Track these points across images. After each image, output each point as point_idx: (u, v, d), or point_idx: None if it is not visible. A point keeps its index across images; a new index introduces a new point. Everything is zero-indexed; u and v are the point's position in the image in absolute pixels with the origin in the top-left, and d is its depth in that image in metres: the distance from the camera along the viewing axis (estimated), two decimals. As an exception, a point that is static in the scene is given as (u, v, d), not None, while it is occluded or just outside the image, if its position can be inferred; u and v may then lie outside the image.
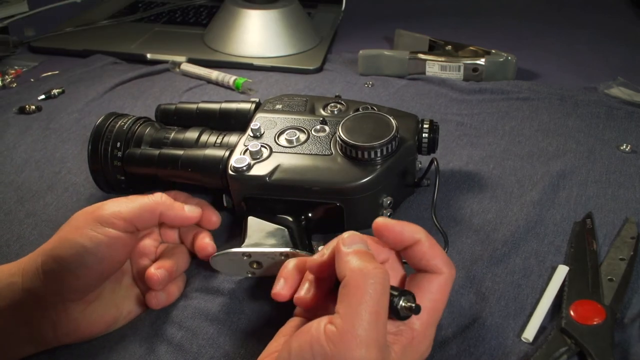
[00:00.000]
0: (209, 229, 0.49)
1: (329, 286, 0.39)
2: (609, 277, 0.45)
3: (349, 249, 0.35)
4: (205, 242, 0.48)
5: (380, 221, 0.38)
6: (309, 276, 0.39)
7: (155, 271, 0.44)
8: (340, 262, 0.35)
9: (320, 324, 0.33)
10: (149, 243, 0.47)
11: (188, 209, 0.46)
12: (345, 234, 0.37)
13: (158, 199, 0.45)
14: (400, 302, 0.34)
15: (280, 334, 0.39)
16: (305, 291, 0.38)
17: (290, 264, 0.41)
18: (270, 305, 0.46)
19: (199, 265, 0.49)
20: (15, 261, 0.42)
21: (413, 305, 0.34)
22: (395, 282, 0.39)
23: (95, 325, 0.42)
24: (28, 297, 0.40)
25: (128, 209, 0.42)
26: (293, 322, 0.40)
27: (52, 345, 0.42)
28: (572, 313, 0.42)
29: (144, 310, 0.46)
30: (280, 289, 0.40)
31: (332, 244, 0.38)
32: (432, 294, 0.36)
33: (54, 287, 0.40)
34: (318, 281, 0.39)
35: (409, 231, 0.37)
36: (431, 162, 0.53)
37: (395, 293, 0.34)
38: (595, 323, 0.41)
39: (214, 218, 0.49)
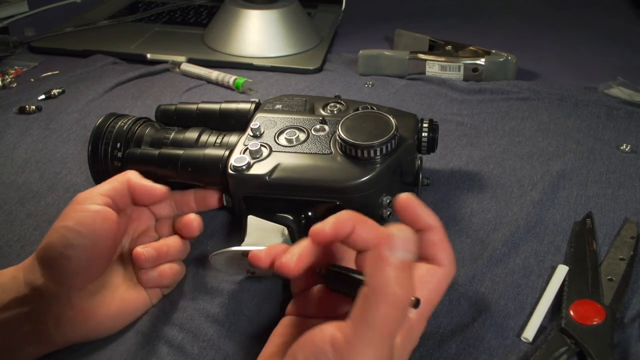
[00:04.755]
0: (191, 234, 0.48)
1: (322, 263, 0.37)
2: (608, 277, 0.45)
3: (394, 256, 0.31)
4: (190, 218, 0.47)
5: (404, 198, 0.36)
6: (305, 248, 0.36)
7: (142, 249, 0.44)
8: (375, 264, 0.31)
9: (324, 332, 0.31)
10: (146, 240, 0.47)
11: (155, 185, 0.46)
12: (397, 230, 0.32)
13: (128, 173, 0.45)
14: None
15: (274, 334, 0.39)
16: (295, 258, 0.34)
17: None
18: (270, 306, 0.46)
19: (198, 265, 0.50)
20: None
21: (414, 299, 0.33)
22: None
23: (98, 317, 0.42)
24: (30, 291, 0.40)
25: (102, 185, 0.44)
26: (286, 321, 0.39)
27: (55, 343, 0.41)
28: (571, 313, 0.42)
29: (151, 307, 0.46)
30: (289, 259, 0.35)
31: (342, 217, 0.34)
32: (431, 285, 0.36)
33: (49, 275, 0.40)
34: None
35: (427, 216, 0.36)
36: (419, 159, 0.52)
37: None
38: (595, 323, 0.41)
39: (195, 223, 0.47)
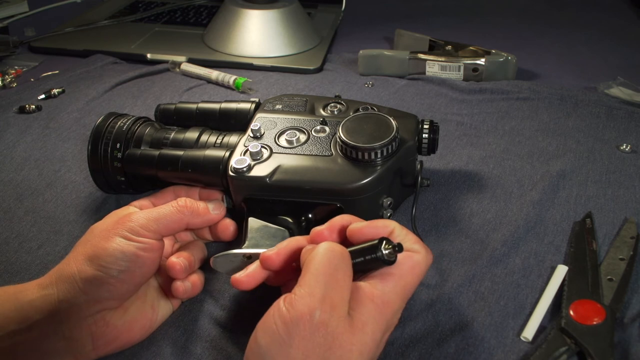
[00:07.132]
0: (227, 238, 0.49)
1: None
2: (608, 277, 0.46)
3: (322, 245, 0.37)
4: (227, 222, 0.48)
5: (351, 229, 0.40)
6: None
7: (176, 260, 0.43)
8: (309, 253, 0.37)
9: (273, 307, 0.34)
10: (166, 243, 0.47)
11: (212, 210, 0.47)
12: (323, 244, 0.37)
13: (183, 209, 0.44)
14: (382, 248, 0.36)
15: None
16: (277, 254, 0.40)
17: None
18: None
19: (201, 267, 0.49)
20: (44, 275, 0.41)
21: (396, 245, 0.36)
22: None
23: (133, 331, 0.42)
24: (65, 308, 0.39)
25: (156, 221, 0.42)
26: None
27: (90, 357, 0.40)
28: (571, 313, 0.42)
29: (175, 310, 0.46)
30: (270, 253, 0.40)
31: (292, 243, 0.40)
32: (406, 266, 0.37)
33: (95, 295, 0.39)
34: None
35: (382, 226, 0.39)
36: (420, 163, 0.52)
37: (375, 242, 0.36)
38: (595, 323, 0.41)
39: (231, 228, 0.49)
